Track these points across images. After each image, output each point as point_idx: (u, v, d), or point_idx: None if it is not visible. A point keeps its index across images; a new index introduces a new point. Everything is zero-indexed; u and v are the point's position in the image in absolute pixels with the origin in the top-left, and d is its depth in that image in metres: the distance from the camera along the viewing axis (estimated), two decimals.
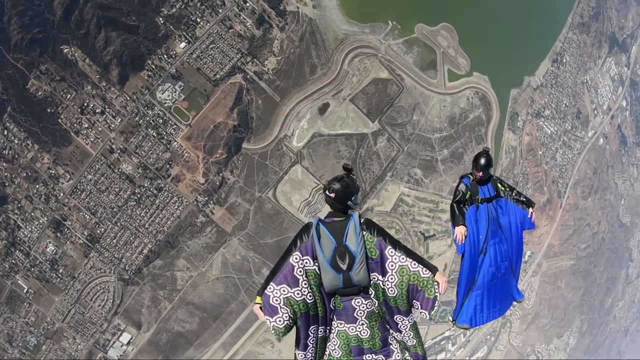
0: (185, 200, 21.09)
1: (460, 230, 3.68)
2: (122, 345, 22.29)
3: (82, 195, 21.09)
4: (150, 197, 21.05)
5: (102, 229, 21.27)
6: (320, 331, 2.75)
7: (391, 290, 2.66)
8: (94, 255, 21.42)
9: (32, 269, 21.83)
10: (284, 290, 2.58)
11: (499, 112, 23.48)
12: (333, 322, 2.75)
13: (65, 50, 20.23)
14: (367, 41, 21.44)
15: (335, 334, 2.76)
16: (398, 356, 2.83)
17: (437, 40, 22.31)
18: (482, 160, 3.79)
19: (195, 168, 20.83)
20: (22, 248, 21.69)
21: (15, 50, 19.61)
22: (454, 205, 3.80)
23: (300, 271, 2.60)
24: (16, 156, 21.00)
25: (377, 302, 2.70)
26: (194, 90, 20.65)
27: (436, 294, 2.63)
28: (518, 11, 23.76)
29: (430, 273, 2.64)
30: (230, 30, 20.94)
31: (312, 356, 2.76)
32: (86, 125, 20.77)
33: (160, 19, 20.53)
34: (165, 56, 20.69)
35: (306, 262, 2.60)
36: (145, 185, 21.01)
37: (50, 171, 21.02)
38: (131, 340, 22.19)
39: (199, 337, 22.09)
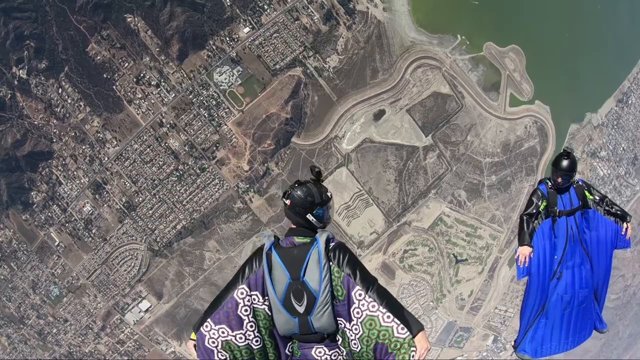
0: (227, 184, 21.30)
1: (523, 252, 3.08)
2: (140, 312, 22.95)
3: (126, 163, 21.58)
4: (193, 175, 21.35)
5: (140, 199, 21.75)
6: None
7: (355, 344, 2.01)
8: (128, 222, 21.98)
9: (67, 224, 22.61)
10: (222, 332, 2.04)
11: (554, 146, 22.62)
12: None
13: (128, 19, 20.54)
14: (434, 53, 20.91)
15: None
16: None
17: (504, 62, 21.57)
18: (565, 163, 3.07)
19: (241, 154, 20.97)
20: (60, 203, 22.47)
21: (79, 13, 20.03)
22: (524, 218, 3.19)
23: (246, 310, 2.05)
24: (67, 115, 21.64)
25: (345, 351, 2.09)
26: (252, 77, 20.67)
27: None
28: (590, 44, 22.71)
29: (408, 333, 1.92)
30: (296, 22, 20.77)
31: None
32: (140, 96, 21.13)
33: (227, 0, 20.54)
34: (227, 39, 20.73)
35: (254, 299, 2.05)
36: (189, 163, 21.30)
37: (99, 135, 21.57)
38: (149, 309, 22.81)
39: None
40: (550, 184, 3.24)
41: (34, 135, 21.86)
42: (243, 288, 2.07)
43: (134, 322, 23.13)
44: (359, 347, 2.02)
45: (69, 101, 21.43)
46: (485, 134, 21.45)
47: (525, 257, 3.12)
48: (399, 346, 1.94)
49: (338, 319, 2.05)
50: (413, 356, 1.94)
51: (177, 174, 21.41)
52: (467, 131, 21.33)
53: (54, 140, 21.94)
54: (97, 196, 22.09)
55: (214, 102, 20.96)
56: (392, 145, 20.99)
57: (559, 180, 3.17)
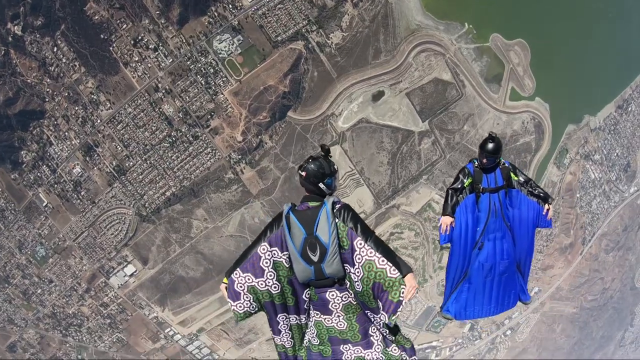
0: (219, 154, 21.12)
1: (444, 221, 3.42)
2: (124, 276, 23.10)
3: (119, 127, 21.27)
4: (185, 142, 21.13)
5: (131, 163, 21.54)
6: (293, 319, 2.70)
7: (357, 285, 2.52)
8: (117, 185, 21.83)
9: (56, 185, 22.41)
10: (248, 279, 2.57)
11: (549, 144, 22.65)
12: (310, 312, 2.70)
13: None
14: (439, 38, 20.56)
15: (312, 323, 2.70)
16: (379, 348, 2.66)
17: (509, 54, 21.31)
18: (490, 146, 3.36)
19: (235, 125, 20.73)
20: (49, 164, 22.20)
21: None
22: (449, 191, 3.51)
23: (267, 262, 2.55)
24: (61, 74, 21.13)
25: (353, 293, 2.58)
26: (252, 47, 20.24)
27: (400, 298, 2.39)
28: (597, 48, 22.48)
29: (398, 273, 2.39)
30: None
31: (288, 341, 2.75)
32: (136, 59, 20.65)
33: None
34: (230, 6, 20.17)
35: (274, 254, 2.55)
36: (183, 130, 21.04)
37: (92, 96, 21.15)
38: (134, 273, 22.95)
39: (200, 286, 22.70)
40: (477, 163, 3.50)
41: (26, 93, 21.37)
42: (265, 245, 2.58)
43: (118, 285, 23.30)
44: (361, 287, 2.51)
45: (64, 60, 20.88)
46: (482, 125, 21.37)
47: (446, 226, 3.43)
48: (391, 284, 2.41)
49: (345, 265, 2.51)
50: (402, 292, 2.39)
51: (170, 140, 21.16)
52: (465, 120, 21.23)
53: (47, 100, 21.47)
54: (87, 158, 21.83)
55: (212, 70, 20.55)
56: (388, 128, 20.85)
57: (484, 160, 3.44)
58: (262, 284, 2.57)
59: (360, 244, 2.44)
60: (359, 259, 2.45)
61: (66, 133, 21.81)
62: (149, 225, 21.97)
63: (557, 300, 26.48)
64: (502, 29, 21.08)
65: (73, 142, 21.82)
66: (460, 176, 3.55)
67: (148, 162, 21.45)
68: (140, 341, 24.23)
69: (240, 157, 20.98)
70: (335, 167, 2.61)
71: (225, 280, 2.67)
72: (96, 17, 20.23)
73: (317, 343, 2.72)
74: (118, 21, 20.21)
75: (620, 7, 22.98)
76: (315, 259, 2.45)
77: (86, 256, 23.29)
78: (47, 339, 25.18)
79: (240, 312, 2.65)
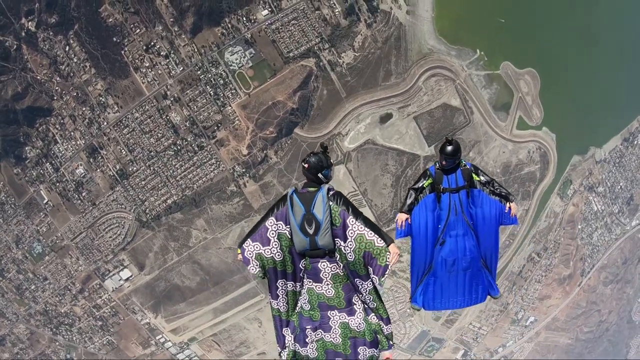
0: (223, 166, 21.08)
1: (400, 217, 3.69)
2: (120, 280, 22.93)
3: (125, 131, 21.27)
4: (190, 152, 21.10)
5: (135, 168, 21.51)
6: (290, 286, 3.16)
7: (350, 256, 2.99)
8: (119, 189, 21.77)
9: (57, 184, 22.36)
10: (256, 247, 3.05)
11: (553, 174, 22.58)
12: (304, 280, 3.15)
13: None
14: (450, 64, 20.63)
15: (305, 290, 3.16)
16: (360, 315, 3.16)
17: (518, 83, 21.36)
18: (448, 148, 3.56)
19: (241, 138, 20.71)
20: (53, 162, 22.17)
21: None
22: (409, 190, 3.75)
23: (273, 233, 3.02)
24: (71, 74, 21.20)
25: (341, 265, 3.04)
26: (263, 62, 20.30)
27: (387, 262, 2.92)
28: (606, 80, 22.57)
29: (384, 243, 2.93)
30: (316, 12, 20.33)
31: (283, 306, 3.20)
32: (147, 64, 20.72)
33: None
34: (244, 19, 20.27)
35: (279, 227, 3.02)
36: (188, 139, 21.03)
37: (101, 98, 21.19)
38: (130, 278, 22.79)
39: (194, 296, 22.52)
40: (438, 165, 3.71)
41: (35, 90, 21.42)
42: (272, 219, 3.07)
43: (113, 289, 23.13)
44: (353, 257, 2.99)
45: (75, 60, 20.96)
46: (488, 152, 21.33)
47: (402, 222, 3.71)
48: (378, 252, 2.93)
49: (336, 239, 3.00)
50: (388, 258, 2.93)
51: (175, 148, 21.15)
52: (471, 147, 21.19)
53: (55, 98, 21.52)
54: (91, 160, 21.80)
55: (222, 82, 20.59)
56: (394, 150, 20.83)
57: (444, 162, 3.65)
58: (267, 252, 3.02)
59: (352, 221, 2.95)
60: (351, 233, 2.94)
61: (72, 133, 21.81)
62: (148, 232, 21.87)
63: (552, 330, 26.23)
64: (514, 57, 21.17)
65: (78, 143, 21.81)
66: (422, 178, 3.78)
67: (151, 168, 21.41)
68: (130, 346, 23.99)
69: (244, 170, 20.97)
70: (332, 161, 3.17)
71: (238, 251, 3.15)
72: (110, 20, 20.34)
73: (308, 308, 3.15)
74: (132, 25, 20.32)
75: (630, 41, 23.10)
76: (310, 231, 2.93)
77: (83, 257, 23.15)
78: (37, 336, 24.94)
79: (255, 272, 3.10)
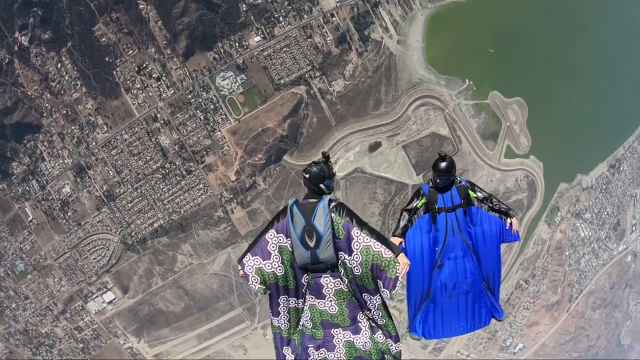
0: (211, 191, 20.91)
1: (394, 241, 3.39)
2: (103, 302, 22.38)
3: (113, 152, 21.08)
4: (178, 176, 20.93)
5: (122, 190, 21.24)
6: (292, 302, 3.00)
7: (357, 269, 2.82)
8: (105, 211, 21.44)
9: (43, 202, 21.96)
10: (256, 261, 2.91)
11: (541, 202, 22.79)
12: (306, 296, 2.99)
13: (141, 6, 20.14)
14: (439, 93, 20.93)
15: (307, 307, 3.00)
16: (366, 334, 2.99)
17: (506, 112, 21.71)
18: (442, 165, 3.34)
19: (230, 163, 20.62)
20: (39, 179, 21.82)
21: None
22: (402, 212, 3.49)
23: (273, 247, 2.88)
24: (62, 92, 21.09)
25: (346, 280, 2.89)
26: (254, 88, 20.40)
27: (397, 274, 2.76)
28: (593, 108, 23.09)
29: (392, 254, 2.76)
30: (308, 40, 20.60)
31: (285, 324, 3.06)
32: (138, 86, 20.70)
33: (244, 5, 20.29)
34: (236, 44, 20.45)
35: (280, 239, 2.88)
36: (177, 163, 20.88)
37: (90, 118, 21.04)
38: (113, 301, 22.25)
39: (178, 321, 22.02)
40: (432, 184, 3.48)
41: (25, 105, 21.23)
42: (272, 232, 2.91)
43: (96, 311, 22.54)
44: (360, 270, 2.81)
45: (66, 78, 20.86)
46: (476, 180, 21.49)
47: None
48: (387, 263, 2.75)
49: (340, 252, 2.82)
50: (398, 269, 2.76)
51: (163, 172, 20.96)
52: (459, 175, 21.32)
53: (44, 115, 21.32)
54: (78, 179, 21.50)
55: (212, 106, 20.60)
56: (382, 179, 20.90)
57: (438, 180, 3.41)
58: (268, 266, 2.89)
59: (357, 232, 2.78)
60: (356, 245, 2.77)
61: (60, 151, 21.54)
62: (133, 255, 21.46)
63: (541, 356, 26.07)
64: (502, 86, 21.57)
65: (66, 161, 21.53)
66: (414, 198, 3.51)
67: (139, 191, 21.16)
68: None
69: (232, 196, 20.82)
70: (334, 171, 2.99)
71: (239, 266, 3.00)
72: (103, 39, 20.36)
73: (311, 326, 3.01)
74: (125, 46, 20.36)
75: (616, 70, 23.74)
76: (311, 244, 2.77)
77: (66, 277, 22.59)
78: (16, 355, 24.07)
79: (256, 288, 2.97)
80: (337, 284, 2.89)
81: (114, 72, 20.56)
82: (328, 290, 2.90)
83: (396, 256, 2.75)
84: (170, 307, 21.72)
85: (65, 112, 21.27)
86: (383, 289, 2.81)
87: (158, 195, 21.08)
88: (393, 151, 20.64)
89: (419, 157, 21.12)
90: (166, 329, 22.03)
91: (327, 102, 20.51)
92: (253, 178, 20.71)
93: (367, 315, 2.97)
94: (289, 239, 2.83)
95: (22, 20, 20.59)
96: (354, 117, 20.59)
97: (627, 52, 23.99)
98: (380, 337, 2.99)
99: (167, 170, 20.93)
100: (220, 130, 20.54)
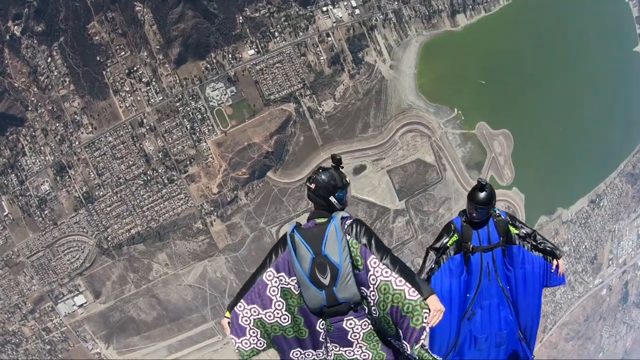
0: (191, 202, 20.65)
1: None
2: (73, 305, 21.81)
3: (96, 153, 20.70)
4: (160, 184, 20.63)
5: (101, 193, 20.84)
6: (309, 355, 2.33)
7: (374, 310, 2.16)
8: (83, 212, 20.99)
9: (20, 197, 21.41)
10: (254, 311, 2.25)
11: None
12: (328, 345, 2.30)
13: (137, 8, 19.98)
14: (427, 120, 21.13)
15: (332, 358, 2.31)
16: None
17: (492, 144, 22.02)
18: (481, 196, 2.71)
19: (213, 175, 20.42)
20: (18, 174, 21.29)
21: None
22: (429, 251, 2.87)
23: (274, 290, 2.23)
24: (50, 87, 20.70)
25: (372, 320, 2.23)
26: (244, 101, 20.31)
27: (424, 324, 2.03)
28: (577, 144, 23.62)
29: (419, 296, 2.04)
30: (302, 57, 20.65)
31: None
32: (127, 89, 20.44)
33: (241, 18, 20.27)
34: (230, 56, 20.39)
35: (282, 280, 2.22)
36: (159, 171, 20.59)
37: (76, 116, 20.67)
38: (84, 305, 21.70)
39: (149, 330, 21.55)
40: (465, 217, 2.91)
41: (10, 97, 20.76)
42: (271, 271, 2.24)
43: (65, 313, 21.93)
44: (377, 313, 2.15)
45: (55, 73, 20.49)
46: (458, 210, 21.62)
47: None
48: (411, 308, 2.04)
49: (361, 288, 2.16)
50: (426, 317, 2.02)
51: (145, 178, 20.64)
52: (441, 204, 21.51)
53: (30, 109, 20.86)
54: (58, 178, 21.03)
55: (200, 116, 20.43)
56: (365, 202, 20.93)
57: (474, 214, 2.80)
58: (270, 316, 2.25)
59: (375, 262, 2.10)
60: (373, 280, 2.11)
61: (42, 147, 21.06)
62: (107, 259, 21.00)
63: None
64: (490, 118, 21.91)
65: (47, 158, 21.06)
66: (444, 234, 2.90)
67: (119, 195, 20.78)
68: None
69: (212, 208, 20.57)
70: (347, 179, 2.29)
71: (227, 314, 2.31)
72: (97, 38, 20.10)
73: None
74: (117, 47, 20.11)
75: (602, 108, 24.33)
76: (326, 282, 2.11)
77: (37, 276, 21.96)
78: None
79: (247, 349, 2.25)
80: (365, 325, 2.21)
81: (104, 73, 20.28)
82: (355, 336, 2.21)
83: (424, 299, 2.04)
84: (141, 315, 21.26)
85: (51, 108, 20.87)
86: (403, 341, 2.09)
87: (138, 201, 20.72)
88: (377, 175, 20.71)
89: (403, 182, 21.23)
90: (136, 337, 21.54)
91: (315, 122, 20.53)
92: (235, 192, 20.52)
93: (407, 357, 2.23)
94: (293, 277, 2.19)
95: (16, 9, 20.24)
96: (341, 139, 20.64)
97: (614, 90, 24.66)
98: None
99: (149, 177, 20.61)
100: (205, 141, 20.36)
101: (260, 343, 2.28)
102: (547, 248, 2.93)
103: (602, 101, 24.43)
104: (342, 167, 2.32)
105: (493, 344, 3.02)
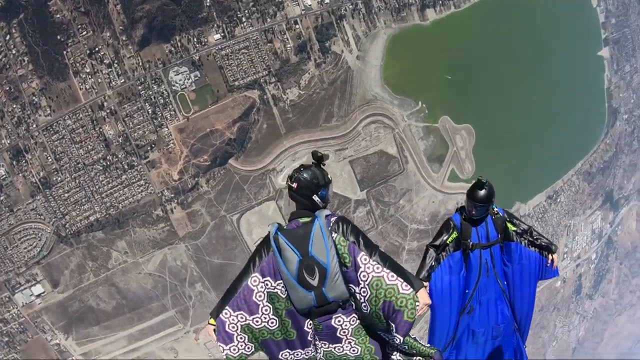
0: (152, 188, 20.28)
1: None
2: (31, 295, 21.15)
3: (54, 137, 19.97)
4: (119, 169, 20.13)
5: (59, 178, 20.16)
6: (299, 354, 2.36)
7: (364, 307, 2.20)
8: (40, 198, 20.27)
9: None
10: (241, 317, 2.23)
11: None
12: (317, 342, 2.33)
13: None
14: (391, 112, 21.39)
15: (322, 355, 2.35)
16: None
17: (454, 138, 22.54)
18: (481, 193, 2.80)
19: (174, 162, 20.09)
20: None
21: None
22: (428, 249, 2.96)
23: (261, 295, 2.22)
24: (7, 66, 19.73)
25: (360, 315, 2.28)
26: (207, 87, 19.99)
27: (415, 317, 2.12)
28: (538, 141, 24.45)
29: (411, 290, 2.11)
30: (268, 44, 20.45)
31: None
32: (88, 70, 19.74)
33: (208, 1, 19.84)
34: (195, 40, 19.96)
35: (267, 285, 2.22)
36: (119, 156, 20.09)
37: (34, 98, 19.82)
38: (42, 294, 21.08)
39: (109, 320, 21.20)
40: (464, 214, 2.98)
41: None
42: (256, 276, 2.21)
43: (23, 304, 21.25)
44: (368, 309, 2.17)
45: (14, 52, 19.50)
46: (418, 201, 22.18)
47: None
48: (405, 302, 2.08)
49: (350, 285, 2.18)
50: (417, 309, 2.09)
51: (104, 163, 20.09)
52: (402, 195, 21.94)
53: None
54: (14, 162, 20.18)
55: (162, 101, 19.99)
56: None
57: (473, 211, 2.88)
58: (257, 321, 2.23)
59: (365, 259, 2.12)
60: (364, 276, 2.12)
61: None
62: (65, 247, 20.42)
63: None
64: (453, 112, 22.39)
65: (2, 141, 20.14)
66: (443, 231, 2.98)
67: (77, 181, 20.16)
68: None
69: (173, 195, 20.25)
70: (329, 176, 2.31)
71: (212, 321, 2.28)
72: (58, 16, 19.23)
73: None
74: (79, 26, 19.31)
75: (563, 108, 25.27)
76: (314, 283, 2.12)
77: None
78: None
79: (235, 355, 2.24)
80: (353, 320, 2.25)
81: (65, 53, 19.47)
82: (344, 332, 2.25)
83: (416, 292, 2.11)
84: (101, 305, 20.86)
85: (8, 88, 19.91)
86: (396, 334, 2.14)
87: (97, 187, 20.18)
88: (339, 165, 20.90)
89: (365, 173, 21.50)
90: (96, 327, 21.14)
91: (279, 110, 20.45)
92: (196, 179, 20.27)
93: (395, 347, 2.35)
94: (279, 281, 2.17)
95: None
96: (305, 128, 20.66)
97: (576, 92, 25.64)
98: None
99: (108, 163, 20.07)
100: (167, 127, 19.95)
101: (249, 347, 2.27)
102: (543, 244, 3.02)
103: (564, 102, 25.37)
104: (324, 164, 2.28)
105: (490, 337, 3.10)
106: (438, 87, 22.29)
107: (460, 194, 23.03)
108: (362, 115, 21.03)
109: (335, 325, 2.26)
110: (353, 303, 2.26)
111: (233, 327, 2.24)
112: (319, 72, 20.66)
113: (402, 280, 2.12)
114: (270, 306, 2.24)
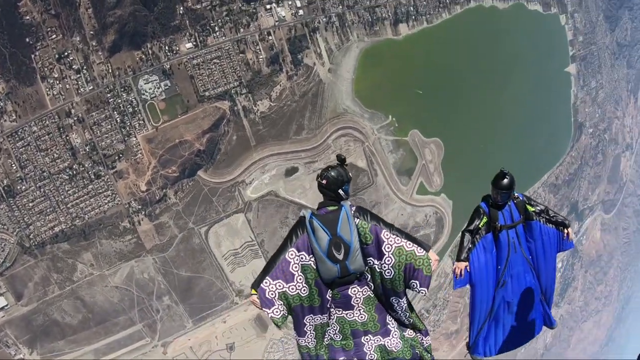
0: (119, 199, 19.96)
1: (459, 266, 3.42)
2: None
3: (19, 144, 19.43)
4: (86, 179, 19.75)
5: (23, 187, 19.63)
6: (317, 319, 2.88)
7: (388, 272, 2.76)
8: (3, 207, 19.67)
9: None
10: (279, 285, 2.71)
11: (447, 238, 24.45)
12: (331, 310, 2.87)
13: None
14: (362, 126, 21.72)
15: (334, 320, 2.89)
16: (396, 334, 2.95)
17: (424, 151, 23.07)
18: (504, 182, 3.33)
19: (142, 172, 19.85)
20: None
21: None
22: (464, 234, 3.48)
23: (296, 267, 2.71)
24: None
25: (373, 286, 2.85)
26: (177, 96, 19.85)
27: (432, 272, 2.75)
28: (504, 155, 25.22)
29: (424, 251, 2.74)
30: (240, 55, 20.46)
31: (312, 341, 2.92)
32: (56, 75, 19.30)
33: (182, 8, 19.70)
34: (166, 48, 19.80)
35: (302, 258, 2.71)
36: (86, 165, 19.71)
37: None
38: (5, 307, 20.42)
39: (75, 334, 20.72)
40: (491, 201, 3.48)
41: None
42: (293, 250, 2.72)
43: None
44: (392, 273, 2.74)
45: None
46: (387, 214, 22.61)
47: (460, 271, 3.43)
48: (422, 262, 2.71)
49: (368, 259, 2.74)
50: (432, 265, 2.73)
51: (70, 172, 19.68)
52: (371, 207, 22.33)
53: None
54: None
55: (131, 110, 19.74)
56: (295, 204, 21.21)
57: (498, 197, 3.41)
58: (292, 289, 2.72)
59: (387, 234, 2.71)
60: (388, 247, 2.70)
61: None
62: (29, 259, 19.87)
63: None
64: (423, 126, 22.91)
65: None
66: (475, 217, 3.48)
67: (42, 190, 19.67)
68: None
69: (140, 207, 19.99)
70: (350, 175, 2.90)
71: (253, 291, 2.74)
72: (27, 17, 18.70)
73: (340, 339, 2.89)
74: (49, 29, 18.84)
75: (529, 121, 26.19)
76: (340, 257, 2.66)
77: None
78: None
79: (278, 317, 2.73)
80: (365, 291, 2.82)
81: (33, 56, 18.96)
82: (357, 301, 2.81)
83: (427, 253, 2.73)
84: (66, 318, 20.36)
85: None
86: (421, 288, 2.75)
87: (62, 197, 19.74)
88: (309, 178, 21.08)
89: None
90: (61, 341, 20.62)
91: (249, 121, 20.49)
92: (164, 190, 20.08)
93: (393, 317, 2.93)
94: (311, 255, 2.68)
95: None
96: (275, 140, 20.76)
97: (543, 106, 26.64)
98: (410, 333, 2.98)
99: (74, 172, 19.67)
100: (136, 136, 19.71)
101: (286, 311, 2.76)
102: (559, 220, 3.55)
103: (532, 116, 26.30)
104: (347, 164, 2.88)
105: (521, 306, 3.55)
106: (408, 101, 22.78)
107: (430, 207, 23.54)
108: (333, 128, 21.29)
109: (350, 294, 2.81)
110: (369, 275, 2.81)
111: (272, 294, 2.71)
112: (290, 84, 20.81)
113: (416, 246, 2.74)
114: (304, 276, 2.72)
